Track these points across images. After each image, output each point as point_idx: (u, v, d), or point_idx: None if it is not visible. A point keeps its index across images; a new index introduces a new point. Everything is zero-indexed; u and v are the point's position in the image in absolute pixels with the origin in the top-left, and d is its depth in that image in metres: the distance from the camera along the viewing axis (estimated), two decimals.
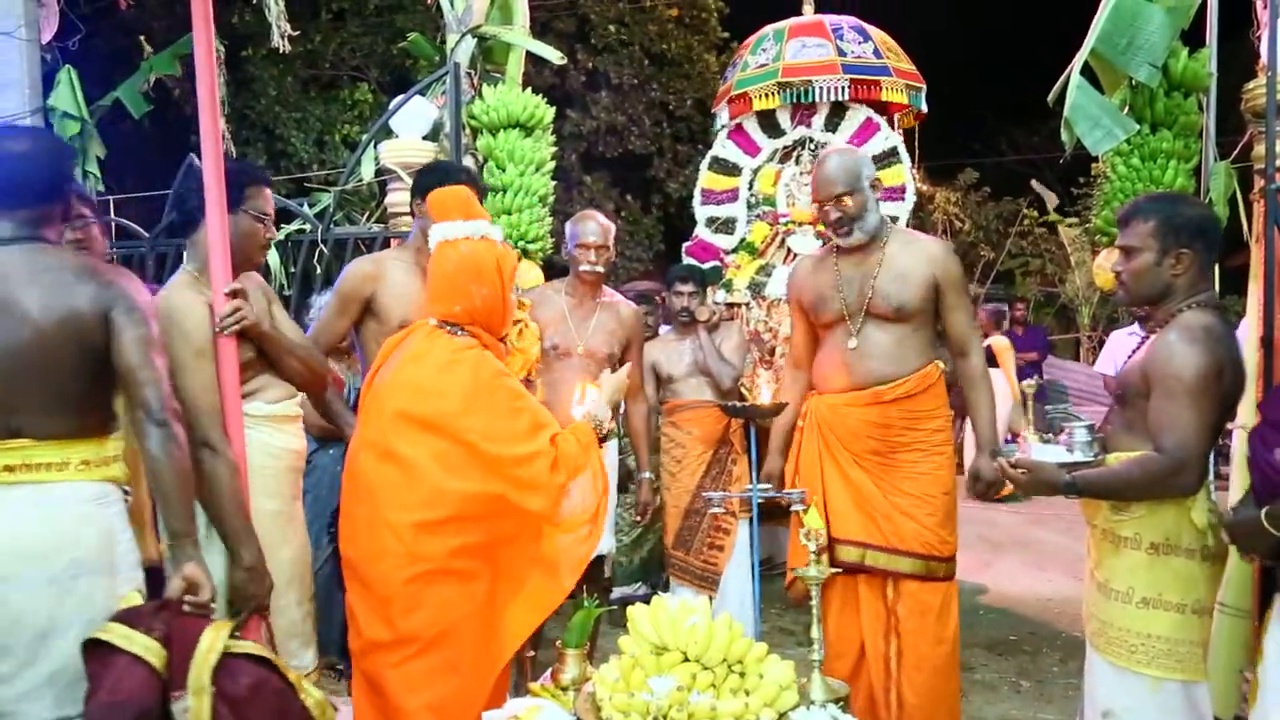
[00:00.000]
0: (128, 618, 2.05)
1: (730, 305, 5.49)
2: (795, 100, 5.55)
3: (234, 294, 2.38)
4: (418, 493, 2.40)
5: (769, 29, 5.91)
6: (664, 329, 5.10)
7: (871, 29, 5.77)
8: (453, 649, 2.41)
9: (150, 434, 2.11)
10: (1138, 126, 3.79)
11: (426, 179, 3.19)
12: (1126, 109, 3.85)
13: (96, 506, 2.13)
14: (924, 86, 5.74)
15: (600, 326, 3.78)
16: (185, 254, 2.53)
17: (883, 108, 5.72)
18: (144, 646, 1.99)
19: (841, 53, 5.55)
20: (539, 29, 9.23)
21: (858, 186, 2.97)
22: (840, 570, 3.05)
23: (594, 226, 3.75)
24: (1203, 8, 3.86)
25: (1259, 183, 3.49)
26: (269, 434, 2.49)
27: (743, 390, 4.51)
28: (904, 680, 3.02)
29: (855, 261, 3.04)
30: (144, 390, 2.11)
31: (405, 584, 2.38)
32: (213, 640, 2.05)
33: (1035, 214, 14.47)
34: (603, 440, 3.27)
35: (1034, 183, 13.93)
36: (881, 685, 3.04)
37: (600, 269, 3.74)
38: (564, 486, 2.43)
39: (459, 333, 2.48)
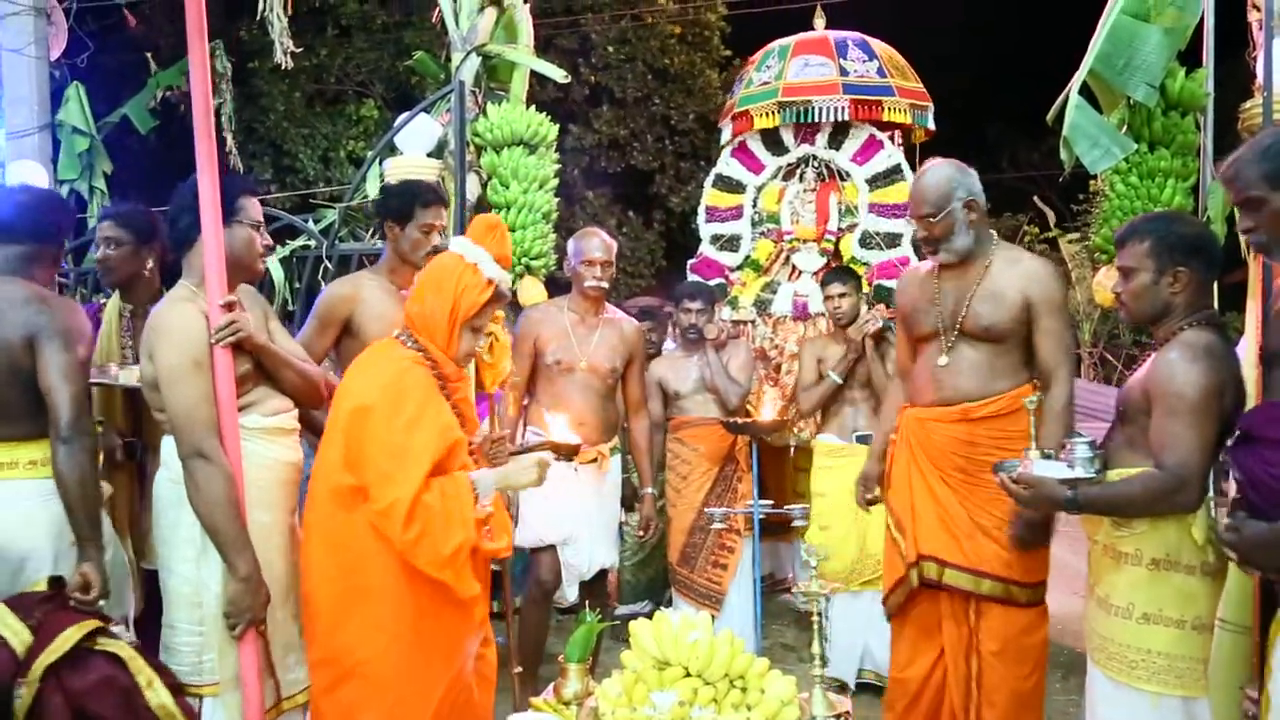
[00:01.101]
0: (15, 602, 2.26)
1: (736, 322, 5.50)
2: (795, 120, 5.53)
3: (229, 306, 2.39)
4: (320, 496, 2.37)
5: (775, 45, 5.89)
6: (668, 346, 5.12)
7: (878, 46, 5.73)
8: (380, 675, 2.32)
9: (57, 449, 2.42)
10: (1136, 145, 3.81)
11: (391, 201, 3.19)
12: (1125, 128, 3.87)
13: (40, 501, 2.47)
14: (930, 105, 5.70)
15: (603, 342, 3.85)
16: (183, 270, 2.54)
17: (892, 124, 5.72)
18: (14, 631, 2.17)
19: (844, 72, 5.52)
20: (541, 45, 9.29)
21: (945, 207, 2.88)
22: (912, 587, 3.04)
23: (598, 243, 3.83)
24: (1199, 28, 3.88)
25: None
26: (264, 446, 2.50)
27: (748, 407, 4.53)
28: (984, 702, 2.96)
29: (955, 276, 2.98)
30: (55, 410, 2.43)
31: (333, 600, 2.34)
32: (69, 636, 2.21)
33: (1036, 230, 14.51)
34: (571, 455, 3.20)
35: (1035, 199, 13.97)
36: (962, 705, 3.00)
37: (605, 285, 3.83)
38: (415, 541, 2.26)
39: (409, 342, 2.45)
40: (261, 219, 2.62)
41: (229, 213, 2.46)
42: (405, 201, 3.16)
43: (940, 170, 2.95)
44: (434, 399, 2.40)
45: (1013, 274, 2.91)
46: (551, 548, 3.76)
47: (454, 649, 2.43)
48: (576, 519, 3.78)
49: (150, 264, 3.25)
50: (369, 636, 2.32)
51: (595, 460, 3.82)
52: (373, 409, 2.31)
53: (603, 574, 3.96)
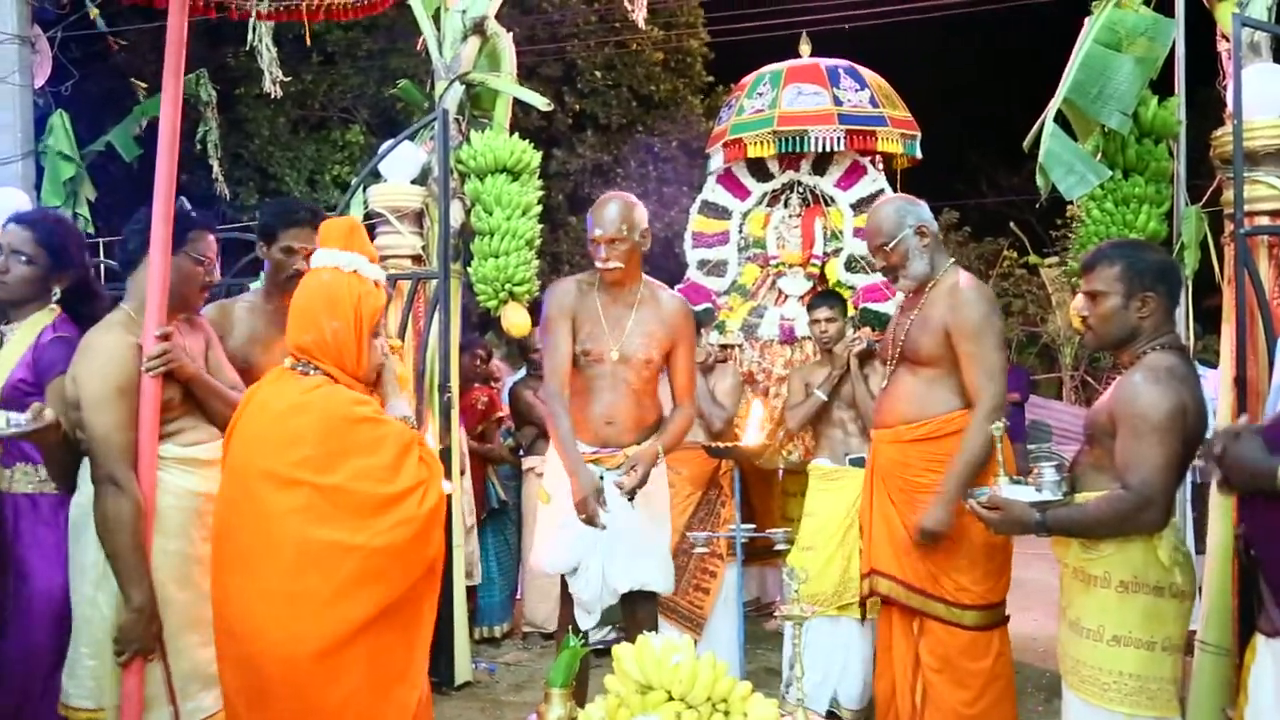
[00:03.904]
0: None
1: (723, 347, 5.51)
2: (790, 149, 5.47)
3: (165, 336, 2.39)
4: (286, 556, 2.24)
5: (765, 71, 5.82)
6: None
7: (867, 74, 5.71)
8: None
9: None
10: (1110, 172, 3.86)
11: (266, 219, 3.07)
12: (1099, 155, 3.93)
13: None
14: (918, 134, 5.67)
15: (638, 327, 3.25)
16: (126, 293, 2.52)
17: (875, 151, 5.73)
18: None
19: (838, 101, 5.47)
20: (526, 72, 9.36)
21: (896, 235, 3.01)
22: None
23: (603, 213, 3.18)
24: (1171, 58, 3.95)
25: (1229, 227, 3.58)
26: (177, 476, 2.48)
27: (736, 430, 4.53)
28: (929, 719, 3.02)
29: (911, 304, 3.11)
30: None
31: (311, 661, 2.21)
32: None
33: (1015, 255, 14.63)
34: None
35: (1013, 225, 14.11)
36: None
37: (613, 265, 3.17)
38: (430, 514, 2.30)
39: (311, 371, 2.34)
40: (211, 256, 2.61)
41: (175, 243, 2.46)
42: (284, 216, 3.05)
43: (890, 203, 3.15)
44: None
45: (942, 299, 3.00)
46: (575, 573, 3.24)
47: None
48: (589, 543, 3.16)
49: (56, 292, 2.75)
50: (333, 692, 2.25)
51: (622, 464, 3.20)
52: (329, 438, 2.28)
53: (648, 595, 3.28)
